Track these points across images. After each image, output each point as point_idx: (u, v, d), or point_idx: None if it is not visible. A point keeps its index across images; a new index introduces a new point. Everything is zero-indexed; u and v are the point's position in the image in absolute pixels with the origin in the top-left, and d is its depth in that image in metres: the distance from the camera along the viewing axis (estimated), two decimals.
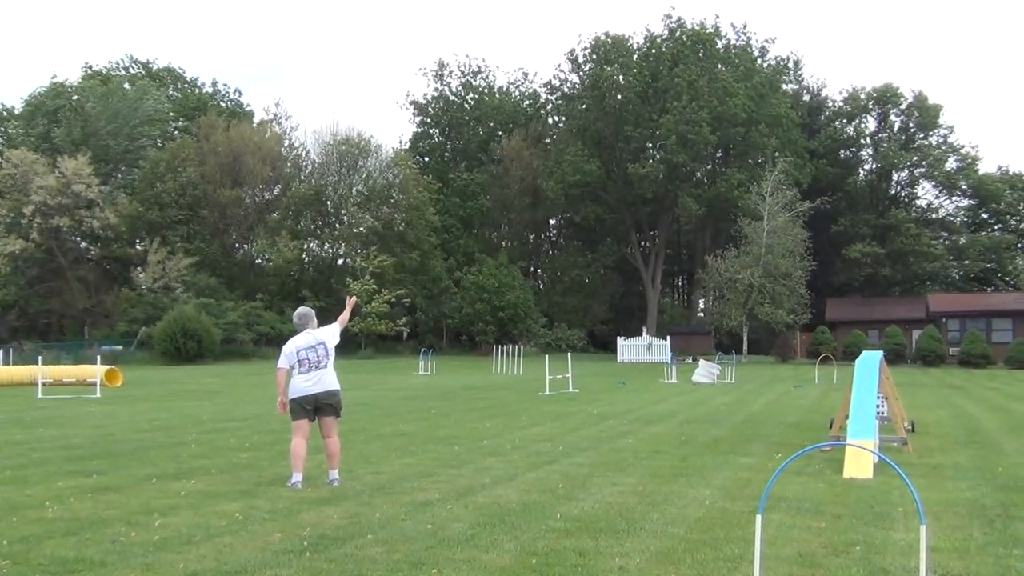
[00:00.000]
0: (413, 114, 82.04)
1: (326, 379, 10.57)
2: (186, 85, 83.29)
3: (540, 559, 6.92)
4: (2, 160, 60.22)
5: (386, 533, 7.80)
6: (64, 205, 57.61)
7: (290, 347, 10.61)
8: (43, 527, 8.00)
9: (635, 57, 68.25)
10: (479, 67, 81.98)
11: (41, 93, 70.27)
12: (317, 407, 10.50)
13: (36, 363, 30.72)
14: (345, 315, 11.31)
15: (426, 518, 8.44)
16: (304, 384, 10.44)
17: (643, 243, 74.65)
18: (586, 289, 74.58)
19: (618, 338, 58.91)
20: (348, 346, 61.12)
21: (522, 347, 47.49)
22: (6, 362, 42.30)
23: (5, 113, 72.43)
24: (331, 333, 10.86)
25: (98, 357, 31.81)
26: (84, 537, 7.60)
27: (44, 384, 27.34)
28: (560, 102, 76.94)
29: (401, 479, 10.82)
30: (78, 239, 63.12)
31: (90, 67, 79.70)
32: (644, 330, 61.98)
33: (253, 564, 6.72)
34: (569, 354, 34.31)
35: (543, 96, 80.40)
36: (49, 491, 9.90)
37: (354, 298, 12.21)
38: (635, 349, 56.58)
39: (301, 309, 11.15)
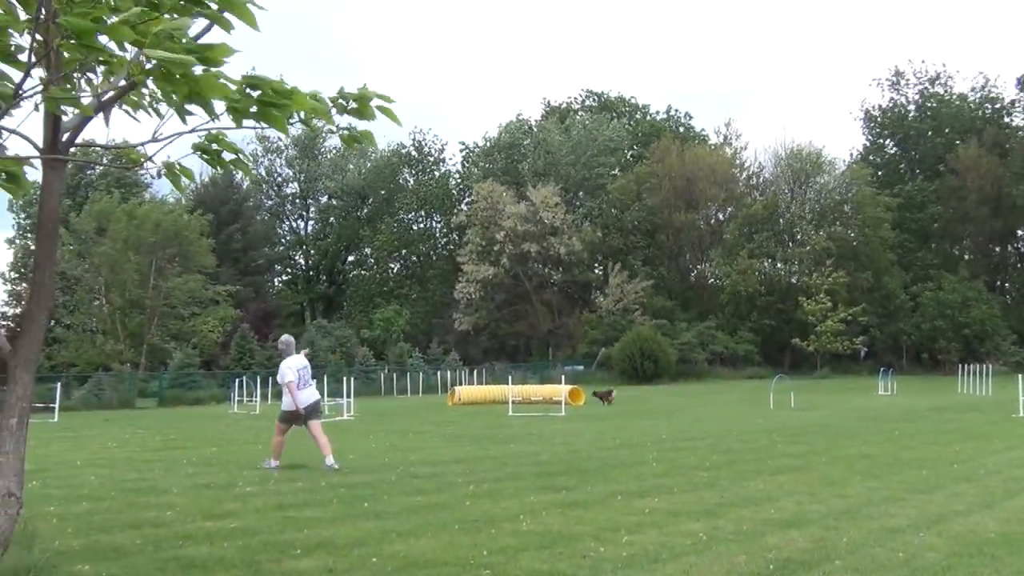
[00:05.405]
0: (863, 126, 79.63)
1: (316, 392, 14.45)
2: (639, 113, 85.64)
3: None
4: (474, 193, 65.11)
5: (855, 559, 7.47)
6: (532, 232, 61.31)
7: (294, 366, 13.95)
8: (518, 539, 8.40)
9: None
10: (938, 73, 77.87)
11: (502, 128, 75.20)
12: (307, 413, 13.94)
13: (507, 382, 32.79)
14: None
15: (897, 546, 8.00)
16: (307, 395, 14.04)
17: None
18: None
19: None
20: (803, 366, 60.14)
21: (990, 366, 44.34)
22: (480, 381, 45.48)
23: (472, 154, 77.95)
24: (307, 358, 14.70)
25: (562, 377, 33.29)
26: (556, 551, 7.88)
27: (514, 402, 29.08)
28: None
29: (867, 503, 10.37)
30: (543, 265, 66.77)
31: (548, 102, 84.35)
32: None
33: None
34: None
35: (1006, 98, 74.93)
36: (522, 505, 10.42)
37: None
38: None
39: (286, 337, 14.79)
